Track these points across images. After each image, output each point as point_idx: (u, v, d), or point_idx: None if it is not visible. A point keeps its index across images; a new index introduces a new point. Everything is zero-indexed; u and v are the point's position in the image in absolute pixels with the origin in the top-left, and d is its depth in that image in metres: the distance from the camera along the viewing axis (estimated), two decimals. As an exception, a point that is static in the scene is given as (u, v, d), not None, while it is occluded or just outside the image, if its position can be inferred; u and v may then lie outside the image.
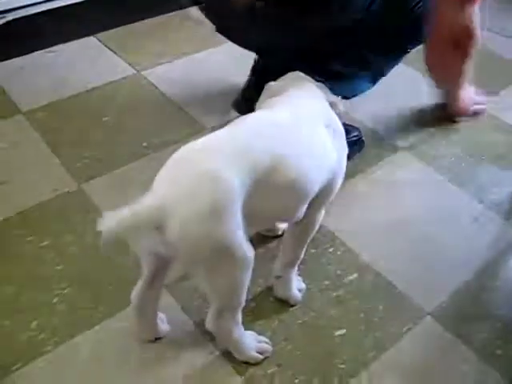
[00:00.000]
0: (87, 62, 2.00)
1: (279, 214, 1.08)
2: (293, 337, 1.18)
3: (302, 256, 1.23)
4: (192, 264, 0.97)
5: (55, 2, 1.98)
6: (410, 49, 1.54)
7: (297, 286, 1.25)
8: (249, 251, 0.96)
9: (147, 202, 0.91)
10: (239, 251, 0.94)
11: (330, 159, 1.08)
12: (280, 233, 1.37)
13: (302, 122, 1.06)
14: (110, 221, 0.88)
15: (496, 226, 1.47)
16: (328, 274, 1.31)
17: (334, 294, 1.27)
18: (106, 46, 2.09)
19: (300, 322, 1.21)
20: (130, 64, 2.00)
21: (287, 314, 1.22)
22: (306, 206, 1.08)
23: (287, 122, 1.04)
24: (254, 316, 1.21)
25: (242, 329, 1.09)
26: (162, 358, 1.13)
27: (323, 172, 1.07)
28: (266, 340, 1.15)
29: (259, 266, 1.22)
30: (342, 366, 1.13)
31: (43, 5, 1.97)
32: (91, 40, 2.12)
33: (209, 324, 1.05)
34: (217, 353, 1.14)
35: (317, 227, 1.20)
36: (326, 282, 1.29)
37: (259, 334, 1.16)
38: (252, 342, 1.13)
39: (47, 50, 2.04)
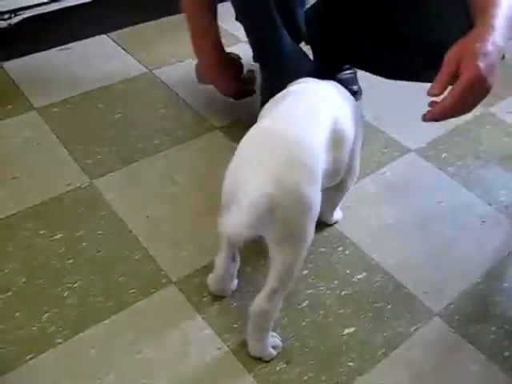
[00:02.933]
0: (100, 60, 2.01)
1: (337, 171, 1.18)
2: (301, 334, 1.18)
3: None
4: (292, 232, 1.00)
5: (69, 1, 1.98)
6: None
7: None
8: None
9: (258, 192, 0.92)
10: (312, 230, 1.02)
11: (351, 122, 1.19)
12: (333, 222, 1.44)
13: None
14: (234, 222, 0.91)
15: (504, 228, 1.48)
16: (337, 273, 1.32)
17: (343, 292, 1.28)
18: (118, 44, 2.10)
19: (309, 320, 1.21)
20: (142, 63, 2.01)
21: (296, 312, 1.23)
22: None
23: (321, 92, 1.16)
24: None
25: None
26: (171, 353, 1.14)
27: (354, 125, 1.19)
28: (277, 335, 1.16)
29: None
30: (351, 364, 1.14)
31: (57, 3, 1.97)
32: (104, 39, 2.14)
33: (259, 305, 1.06)
34: (226, 349, 1.14)
35: (354, 176, 1.34)
36: (335, 281, 1.30)
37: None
38: (271, 339, 1.14)
39: (61, 47, 2.05)
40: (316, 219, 1.02)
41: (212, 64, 1.57)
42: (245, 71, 1.68)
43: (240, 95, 1.65)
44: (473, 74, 1.02)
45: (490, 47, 1.04)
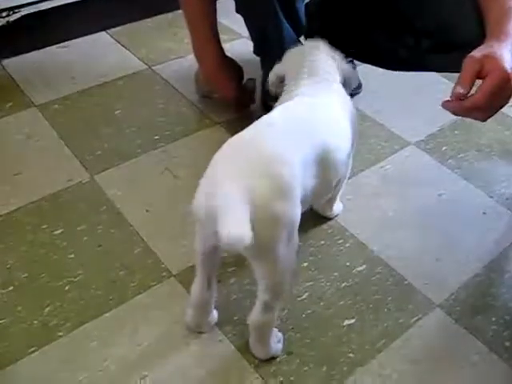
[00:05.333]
0: (99, 57, 2.02)
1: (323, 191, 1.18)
2: (302, 326, 1.19)
3: None
4: (266, 248, 0.97)
5: (68, -2, 1.99)
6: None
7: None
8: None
9: (237, 207, 0.88)
10: (296, 232, 1.00)
11: (348, 136, 1.19)
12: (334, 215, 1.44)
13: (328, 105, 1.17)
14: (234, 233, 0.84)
15: (505, 220, 1.48)
16: (337, 265, 1.32)
17: (343, 284, 1.28)
18: (117, 41, 2.11)
19: (309, 311, 1.22)
20: (141, 59, 2.01)
21: (296, 304, 1.23)
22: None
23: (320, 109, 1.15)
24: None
25: None
26: (172, 346, 1.14)
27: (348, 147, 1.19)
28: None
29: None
30: (351, 355, 1.14)
31: (56, 0, 1.98)
32: (103, 35, 2.14)
33: (255, 317, 1.06)
34: (226, 341, 1.15)
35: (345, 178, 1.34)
36: (335, 273, 1.30)
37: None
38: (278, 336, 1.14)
39: (60, 45, 2.05)
40: (294, 232, 0.99)
41: (213, 69, 1.58)
42: (246, 79, 1.69)
43: (240, 102, 1.66)
44: (501, 74, 1.02)
45: (508, 55, 1.05)
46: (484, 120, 1.12)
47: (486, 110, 1.07)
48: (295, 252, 1.02)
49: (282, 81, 1.27)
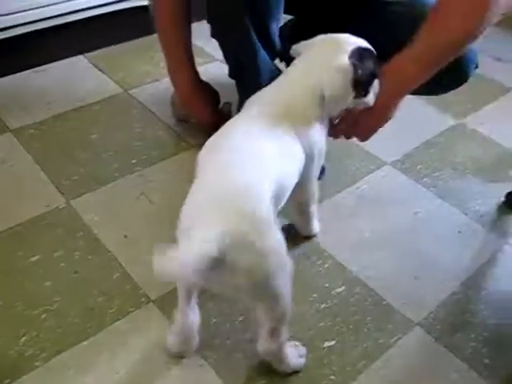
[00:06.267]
0: (76, 81, 2.01)
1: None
2: (282, 349, 1.19)
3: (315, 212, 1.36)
4: (255, 285, 0.96)
5: (44, 22, 1.98)
6: None
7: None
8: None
9: (204, 241, 0.85)
10: (286, 256, 0.99)
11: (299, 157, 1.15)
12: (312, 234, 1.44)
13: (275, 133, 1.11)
14: (168, 263, 0.83)
15: (480, 237, 1.49)
16: (316, 287, 1.32)
17: (323, 306, 1.28)
18: (94, 65, 2.10)
19: (289, 334, 1.21)
20: (117, 83, 2.01)
21: (276, 327, 1.23)
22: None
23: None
24: (242, 329, 1.22)
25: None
26: (151, 373, 1.13)
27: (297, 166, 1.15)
28: (297, 342, 1.16)
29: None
30: (332, 377, 1.14)
31: (32, 25, 1.97)
32: (80, 59, 2.13)
33: (264, 347, 1.06)
34: (207, 366, 1.14)
35: (313, 201, 1.35)
36: (314, 295, 1.30)
37: (248, 346, 1.17)
38: (293, 350, 1.14)
39: (36, 69, 2.04)
40: (282, 259, 0.98)
41: (188, 94, 1.59)
42: (222, 103, 1.70)
43: (216, 125, 1.65)
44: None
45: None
46: (363, 141, 1.32)
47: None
48: (290, 275, 1.01)
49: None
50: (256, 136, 1.08)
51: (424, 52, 1.19)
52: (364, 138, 1.29)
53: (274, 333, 1.04)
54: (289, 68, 1.23)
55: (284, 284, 1.00)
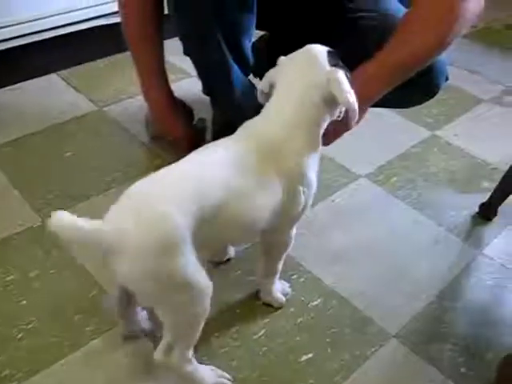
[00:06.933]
0: (50, 99, 2.00)
1: (228, 241, 1.16)
2: (259, 363, 1.19)
3: (280, 268, 1.27)
4: (145, 298, 1.00)
5: (17, 40, 1.98)
6: None
7: (280, 290, 1.31)
8: (204, 282, 0.99)
9: (100, 227, 0.91)
10: (192, 284, 0.96)
11: (274, 197, 1.08)
12: (225, 259, 1.41)
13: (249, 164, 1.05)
14: (62, 222, 0.91)
15: (455, 247, 1.51)
16: (292, 301, 1.32)
17: (299, 319, 1.28)
18: (68, 83, 2.10)
19: (266, 348, 1.22)
20: (91, 100, 2.01)
21: (252, 342, 1.23)
22: (254, 234, 1.16)
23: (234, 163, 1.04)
24: (218, 343, 1.22)
25: (195, 363, 1.09)
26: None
27: (266, 208, 1.07)
28: (228, 376, 1.14)
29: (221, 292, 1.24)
30: (310, 391, 1.15)
31: (5, 43, 1.97)
32: (54, 77, 2.13)
33: (157, 356, 1.04)
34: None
35: (284, 248, 1.24)
36: (291, 309, 1.31)
37: (225, 362, 1.18)
38: (211, 377, 1.12)
39: (10, 87, 2.04)
40: (182, 288, 0.96)
41: (161, 111, 1.58)
42: (196, 119, 1.70)
43: (191, 142, 1.65)
44: None
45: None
46: (326, 145, 1.22)
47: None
48: (197, 307, 1.00)
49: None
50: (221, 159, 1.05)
51: (389, 60, 1.20)
52: (328, 142, 1.27)
53: (169, 347, 1.03)
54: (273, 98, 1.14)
55: (182, 311, 0.99)
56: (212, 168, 1.02)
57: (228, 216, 1.00)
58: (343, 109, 1.13)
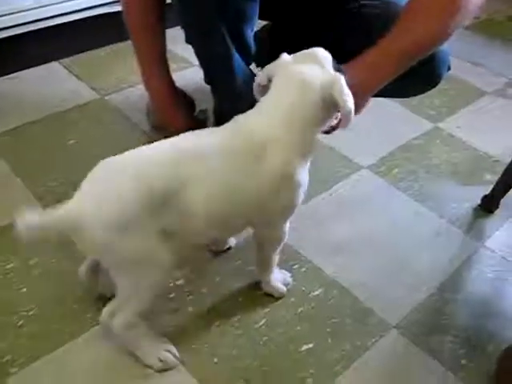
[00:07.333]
0: (52, 88, 2.00)
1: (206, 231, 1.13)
2: (260, 353, 1.19)
3: (276, 261, 1.27)
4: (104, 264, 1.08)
5: (18, 28, 1.97)
6: None
7: (281, 280, 1.31)
8: (158, 258, 1.04)
9: (61, 211, 1.02)
10: (145, 258, 1.03)
11: (248, 194, 1.08)
12: (226, 248, 1.41)
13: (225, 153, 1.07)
14: (29, 220, 1.02)
15: (457, 239, 1.51)
16: (293, 291, 1.32)
17: (300, 309, 1.28)
18: (70, 71, 2.10)
19: (266, 338, 1.22)
20: (93, 89, 2.01)
21: (253, 331, 1.23)
22: (233, 228, 1.18)
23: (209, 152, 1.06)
24: (219, 332, 1.22)
25: (140, 331, 1.13)
26: (130, 378, 1.13)
27: (237, 202, 1.08)
28: (174, 351, 1.15)
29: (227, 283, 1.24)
30: (310, 380, 1.14)
31: (5, 31, 1.96)
32: (56, 65, 2.13)
33: (102, 317, 1.11)
34: (183, 369, 1.14)
35: (277, 243, 1.23)
36: (292, 299, 1.31)
37: (226, 351, 1.18)
38: (155, 347, 1.15)
39: (10, 75, 2.03)
40: (130, 265, 1.04)
41: (162, 102, 1.57)
42: (197, 110, 1.70)
43: None
44: None
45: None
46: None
47: None
48: (149, 278, 1.06)
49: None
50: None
51: (392, 48, 1.20)
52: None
53: (113, 311, 1.09)
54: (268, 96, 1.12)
55: (127, 280, 1.06)
56: (178, 154, 1.06)
57: (186, 203, 1.02)
58: (339, 114, 1.12)
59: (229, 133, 1.10)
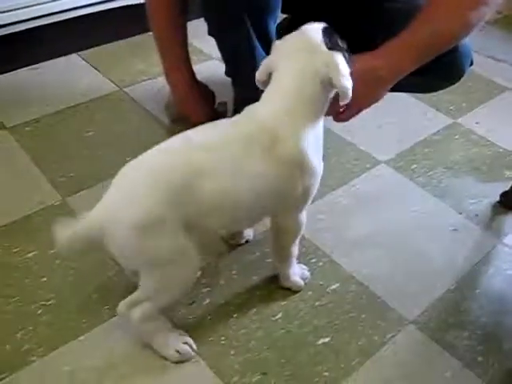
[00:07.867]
0: (71, 79, 2.01)
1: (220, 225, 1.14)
2: (276, 345, 1.19)
3: (295, 254, 1.27)
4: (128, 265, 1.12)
5: (39, 20, 1.98)
6: None
7: (299, 274, 1.31)
8: (186, 260, 1.06)
9: (89, 219, 1.05)
10: (174, 260, 1.04)
11: (264, 182, 1.08)
12: (243, 241, 1.41)
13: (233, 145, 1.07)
14: (64, 234, 1.04)
15: (475, 235, 1.50)
16: (311, 285, 1.32)
17: (317, 303, 1.28)
18: (89, 63, 2.11)
19: (283, 331, 1.22)
20: (112, 81, 2.01)
21: (270, 323, 1.23)
22: (251, 218, 1.18)
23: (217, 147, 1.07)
24: (236, 324, 1.23)
25: (161, 325, 1.14)
26: (148, 369, 1.13)
27: (254, 192, 1.08)
28: (190, 343, 1.16)
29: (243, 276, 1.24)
30: (326, 374, 1.14)
31: (26, 23, 1.97)
32: (75, 57, 2.14)
33: (120, 308, 1.11)
34: (201, 362, 1.15)
35: (294, 234, 1.23)
36: (309, 293, 1.31)
37: (243, 343, 1.19)
38: (173, 339, 1.15)
39: (31, 67, 2.05)
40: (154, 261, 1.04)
41: (183, 94, 1.58)
42: (217, 103, 1.70)
43: None
44: None
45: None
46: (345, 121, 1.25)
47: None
48: (176, 278, 1.08)
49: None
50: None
51: (413, 40, 1.19)
52: (347, 118, 1.25)
53: (135, 303, 1.10)
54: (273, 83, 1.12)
55: (155, 279, 1.07)
56: (196, 151, 1.06)
57: (206, 196, 1.02)
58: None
59: (240, 122, 1.11)
